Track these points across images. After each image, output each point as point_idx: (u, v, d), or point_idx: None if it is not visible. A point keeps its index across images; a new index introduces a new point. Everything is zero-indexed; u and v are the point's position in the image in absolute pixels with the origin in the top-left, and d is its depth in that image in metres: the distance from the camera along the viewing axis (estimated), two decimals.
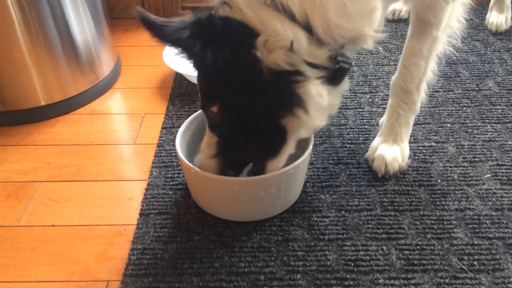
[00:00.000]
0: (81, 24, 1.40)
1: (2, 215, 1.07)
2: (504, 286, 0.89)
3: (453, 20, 1.06)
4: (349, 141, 1.24)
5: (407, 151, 1.14)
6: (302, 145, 1.05)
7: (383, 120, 1.18)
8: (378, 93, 1.42)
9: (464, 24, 1.10)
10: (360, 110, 1.35)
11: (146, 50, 1.70)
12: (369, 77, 1.49)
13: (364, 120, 1.31)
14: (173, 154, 1.21)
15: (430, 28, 1.03)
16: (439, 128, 1.28)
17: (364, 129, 1.27)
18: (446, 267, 0.92)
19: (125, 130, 1.33)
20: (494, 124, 1.28)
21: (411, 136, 1.24)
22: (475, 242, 0.97)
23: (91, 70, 1.46)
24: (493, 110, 1.34)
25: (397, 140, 1.13)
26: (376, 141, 1.15)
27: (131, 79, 1.55)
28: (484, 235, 0.98)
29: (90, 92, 1.45)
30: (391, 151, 1.12)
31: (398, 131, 1.13)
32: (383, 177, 1.12)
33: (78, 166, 1.20)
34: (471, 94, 1.41)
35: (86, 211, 1.07)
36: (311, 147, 1.02)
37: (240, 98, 0.87)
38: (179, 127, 1.09)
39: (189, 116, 1.12)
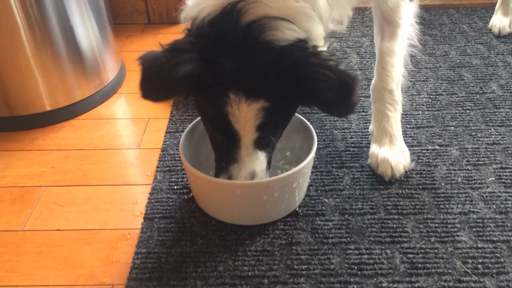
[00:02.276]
0: (86, 30, 1.41)
1: (8, 219, 1.08)
2: None
3: (407, 22, 1.15)
4: (352, 145, 1.24)
5: (406, 150, 1.15)
6: (305, 149, 1.06)
7: (372, 127, 1.19)
8: None
9: (417, 28, 1.17)
10: (364, 113, 1.35)
11: None
12: (372, 80, 1.49)
13: (367, 124, 1.30)
14: (177, 158, 1.21)
15: (397, 29, 1.12)
16: (443, 131, 1.27)
17: (368, 133, 1.27)
18: (450, 271, 0.92)
19: (129, 134, 1.34)
20: (498, 127, 1.28)
21: (414, 139, 1.24)
22: (479, 245, 0.96)
23: (96, 76, 1.47)
24: (496, 113, 1.34)
25: (393, 141, 1.14)
26: (374, 148, 1.15)
27: (135, 84, 1.52)
28: (488, 238, 0.98)
29: (94, 97, 1.46)
30: (393, 154, 1.12)
31: (391, 132, 1.14)
32: (389, 181, 1.12)
33: (83, 171, 1.21)
34: (475, 97, 1.41)
35: (91, 216, 1.08)
36: (314, 150, 1.02)
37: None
38: (183, 131, 1.09)
39: (192, 121, 1.12)
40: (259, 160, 0.96)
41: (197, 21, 0.88)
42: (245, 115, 0.88)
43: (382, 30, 1.13)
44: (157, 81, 0.82)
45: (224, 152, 0.96)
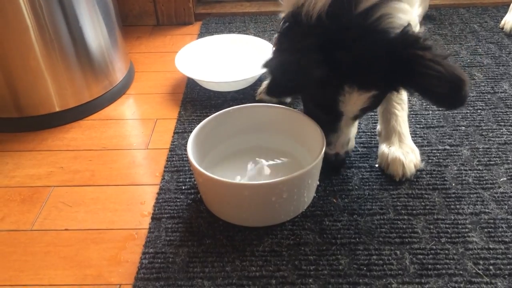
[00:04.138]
0: (95, 31, 1.41)
1: (17, 219, 1.08)
2: None
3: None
4: (361, 145, 1.23)
5: (416, 149, 1.14)
6: (314, 149, 1.05)
7: (380, 127, 1.18)
8: None
9: (425, 27, 1.18)
10: (372, 113, 1.34)
11: (158, 56, 1.72)
12: None
13: (376, 124, 1.29)
14: (185, 158, 1.21)
15: None
16: (453, 131, 1.26)
17: (377, 133, 1.26)
18: (461, 272, 0.90)
19: (137, 135, 1.34)
20: (509, 127, 1.26)
21: (424, 139, 1.23)
22: (491, 246, 0.95)
23: (105, 77, 1.47)
24: (508, 113, 1.32)
25: (402, 139, 1.13)
26: (383, 147, 1.14)
27: (144, 85, 1.56)
28: (500, 239, 0.96)
29: (103, 98, 1.47)
30: (403, 152, 1.11)
31: (399, 130, 1.14)
32: (400, 180, 1.11)
33: (91, 171, 1.21)
34: (486, 97, 1.39)
35: (99, 215, 1.08)
36: (323, 151, 1.01)
37: None
38: (191, 132, 1.09)
39: (200, 121, 1.12)
40: (354, 128, 1.11)
41: (306, 9, 0.90)
42: (355, 102, 0.95)
43: None
44: (288, 84, 0.90)
45: (326, 124, 1.04)
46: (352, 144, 1.13)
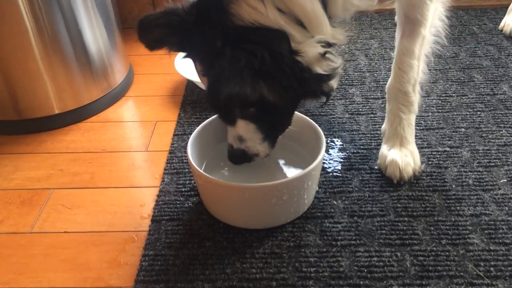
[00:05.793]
0: (94, 34, 1.41)
1: (16, 222, 1.08)
2: None
3: (436, 18, 1.10)
4: (361, 147, 1.23)
5: (417, 153, 1.13)
6: (314, 151, 1.05)
7: (384, 127, 1.17)
8: None
9: (446, 22, 1.13)
10: (372, 115, 1.34)
11: (158, 59, 1.72)
12: (381, 82, 1.48)
13: (376, 126, 1.30)
14: (184, 160, 1.21)
15: (418, 28, 1.06)
16: (453, 133, 1.26)
17: (376, 135, 1.26)
18: (462, 274, 0.90)
19: (137, 137, 1.34)
20: (509, 129, 1.26)
21: (424, 141, 1.23)
22: (492, 247, 0.95)
23: (104, 79, 1.47)
24: (508, 115, 1.32)
25: (404, 143, 1.12)
26: (384, 149, 1.14)
27: (143, 87, 1.56)
28: (500, 240, 0.96)
29: (103, 100, 1.47)
30: (402, 156, 1.11)
31: (403, 134, 1.12)
32: (398, 183, 1.11)
33: (90, 173, 1.21)
34: (485, 99, 1.39)
35: (99, 218, 1.08)
36: (322, 153, 1.01)
37: (280, 96, 0.90)
38: (191, 134, 1.09)
39: (200, 123, 1.12)
40: (245, 128, 0.97)
41: None
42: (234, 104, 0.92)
43: (402, 29, 1.08)
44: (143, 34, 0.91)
45: None
46: (255, 148, 1.00)
